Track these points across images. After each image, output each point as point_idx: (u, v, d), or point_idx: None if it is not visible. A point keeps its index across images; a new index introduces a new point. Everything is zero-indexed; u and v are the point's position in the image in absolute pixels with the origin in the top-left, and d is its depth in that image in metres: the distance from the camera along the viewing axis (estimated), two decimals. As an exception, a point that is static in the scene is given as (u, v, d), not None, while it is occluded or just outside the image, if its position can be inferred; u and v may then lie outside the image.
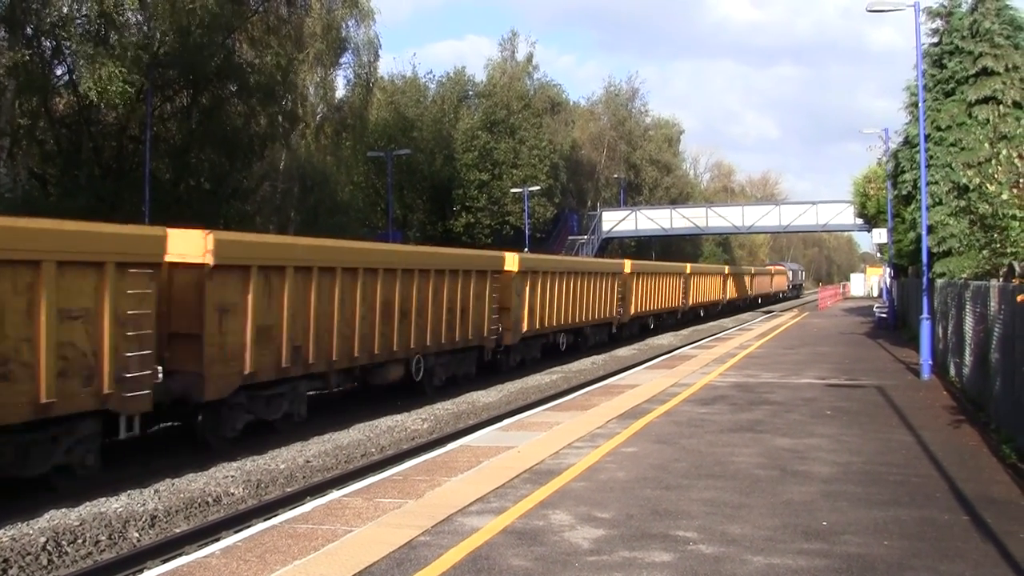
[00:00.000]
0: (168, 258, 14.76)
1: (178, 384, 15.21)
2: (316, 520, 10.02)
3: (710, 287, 61.01)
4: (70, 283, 12.68)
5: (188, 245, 15.24)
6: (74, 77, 36.35)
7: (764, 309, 79.95)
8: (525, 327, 28.86)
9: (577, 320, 33.75)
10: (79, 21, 35.17)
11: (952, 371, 21.50)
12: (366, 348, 19.82)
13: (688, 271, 53.72)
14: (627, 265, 41.27)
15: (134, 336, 13.62)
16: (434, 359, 23.39)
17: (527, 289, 28.64)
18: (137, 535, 11.95)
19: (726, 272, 68.57)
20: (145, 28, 37.78)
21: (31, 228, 12.46)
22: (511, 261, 27.82)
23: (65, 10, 34.56)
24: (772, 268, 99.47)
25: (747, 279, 78.76)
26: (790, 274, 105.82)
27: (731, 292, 69.08)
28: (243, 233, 20.45)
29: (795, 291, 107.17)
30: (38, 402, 12.23)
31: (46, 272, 12.22)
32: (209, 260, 15.30)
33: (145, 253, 14.04)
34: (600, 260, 51.58)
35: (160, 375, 14.88)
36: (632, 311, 41.30)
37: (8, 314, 11.85)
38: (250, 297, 16.22)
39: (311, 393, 19.28)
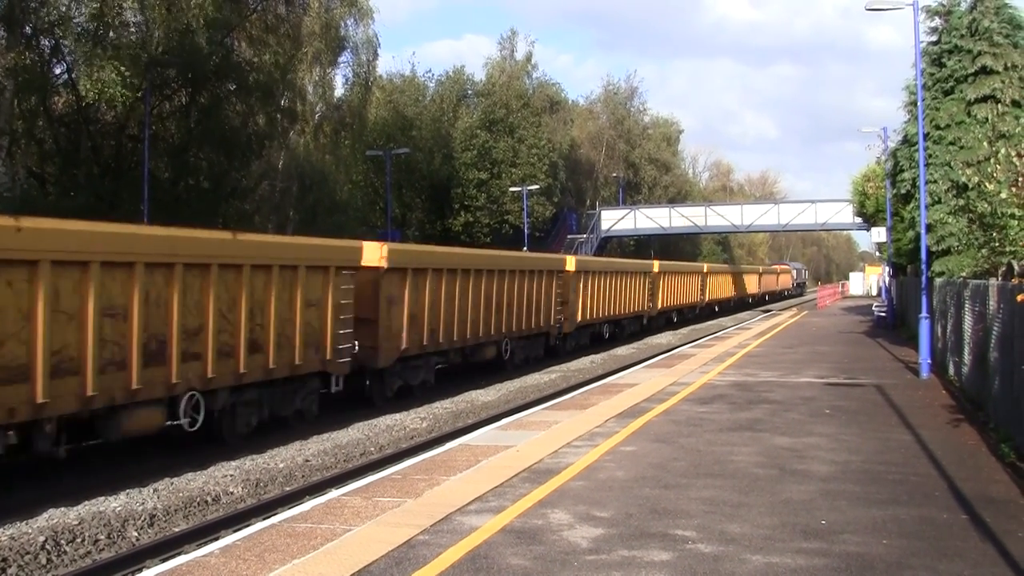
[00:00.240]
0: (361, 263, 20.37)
1: (360, 355, 20.32)
2: (315, 519, 10.02)
3: (724, 284, 68.46)
4: (311, 281, 18.14)
5: (371, 254, 20.56)
6: (72, 76, 36.37)
7: (763, 308, 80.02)
8: (579, 318, 34.55)
9: (617, 312, 39.26)
10: (77, 21, 35.16)
11: (951, 370, 21.50)
12: (474, 332, 25.61)
13: (705, 270, 57.41)
14: (656, 265, 46.96)
15: (343, 319, 19.17)
16: (515, 343, 28.93)
17: (581, 286, 34.37)
18: (136, 534, 11.95)
19: (738, 271, 77.37)
20: (144, 27, 37.72)
21: (296, 244, 19.70)
22: (570, 263, 33.67)
23: (64, 9, 34.51)
24: (778, 267, 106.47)
25: (757, 277, 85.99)
26: (794, 273, 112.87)
27: (742, 289, 76.50)
28: (402, 244, 32.27)
29: (799, 288, 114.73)
30: (294, 363, 17.76)
31: (300, 273, 17.73)
32: (384, 264, 20.82)
33: (351, 259, 19.63)
34: (634, 261, 54.23)
35: (357, 347, 20.10)
36: (660, 306, 46.91)
37: (280, 304, 17.15)
38: (406, 292, 21.86)
39: (438, 367, 24.98)
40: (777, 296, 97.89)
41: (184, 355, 14.79)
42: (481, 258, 27.47)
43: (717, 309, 64.86)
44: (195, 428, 15.24)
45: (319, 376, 18.90)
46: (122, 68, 33.26)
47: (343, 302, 19.07)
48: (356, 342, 19.88)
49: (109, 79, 32.87)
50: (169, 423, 14.81)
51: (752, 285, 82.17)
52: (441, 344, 23.65)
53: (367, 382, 21.28)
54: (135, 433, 14.35)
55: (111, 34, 34.80)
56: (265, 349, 16.83)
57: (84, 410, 13.22)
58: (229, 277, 15.86)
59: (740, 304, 75.68)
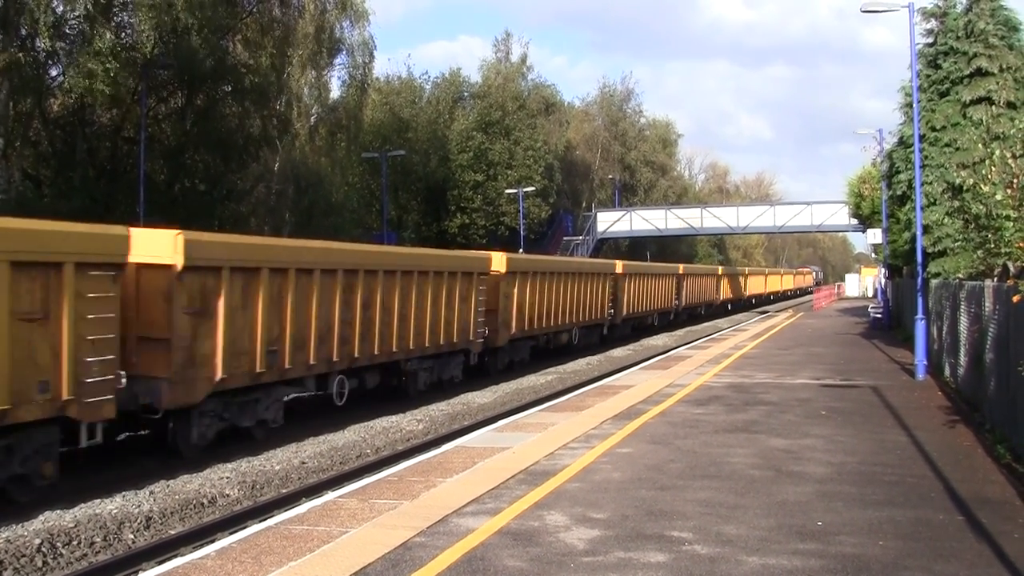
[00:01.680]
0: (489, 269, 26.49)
1: (486, 338, 26.19)
2: (311, 521, 10.01)
3: (759, 283, 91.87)
4: (461, 283, 24.49)
5: (498, 262, 27.45)
6: (64, 76, 36.31)
7: (759, 310, 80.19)
8: (513, 329, 29.21)
9: (566, 322, 34.77)
10: (72, 22, 35.12)
11: (947, 371, 21.53)
12: (557, 320, 31.75)
13: (681, 271, 57.12)
14: (680, 268, 55.60)
15: (480, 311, 25.47)
16: (579, 330, 34.81)
17: (515, 291, 28.88)
18: (132, 536, 11.93)
19: (773, 271, 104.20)
20: (140, 29, 37.67)
21: (448, 256, 26.49)
22: (499, 261, 28.44)
23: (59, 10, 34.47)
24: (804, 269, 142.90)
25: (787, 277, 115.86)
26: (815, 274, 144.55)
27: (772, 287, 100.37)
28: (516, 253, 38.37)
29: (818, 285, 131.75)
30: (452, 341, 24.08)
31: (460, 278, 24.38)
32: (503, 268, 27.56)
33: (485, 267, 26.49)
34: (591, 260, 54.55)
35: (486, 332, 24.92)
36: (684, 303, 53.74)
37: (453, 301, 23.78)
38: (515, 290, 28.01)
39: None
40: (803, 291, 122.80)
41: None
42: (568, 263, 36.35)
43: (754, 302, 78.98)
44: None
45: (462, 352, 25.34)
46: (108, 66, 33.15)
47: (482, 298, 25.86)
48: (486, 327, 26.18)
49: (97, 74, 32.76)
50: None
51: (788, 283, 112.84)
52: (528, 330, 29.75)
53: (486, 358, 27.47)
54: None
55: (107, 35, 34.70)
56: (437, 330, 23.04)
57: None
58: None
59: (774, 298, 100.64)
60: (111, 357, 13.45)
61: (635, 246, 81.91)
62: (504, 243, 59.76)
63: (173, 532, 12.07)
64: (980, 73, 25.88)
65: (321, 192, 50.09)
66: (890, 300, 45.19)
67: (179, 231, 15.08)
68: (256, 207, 48.27)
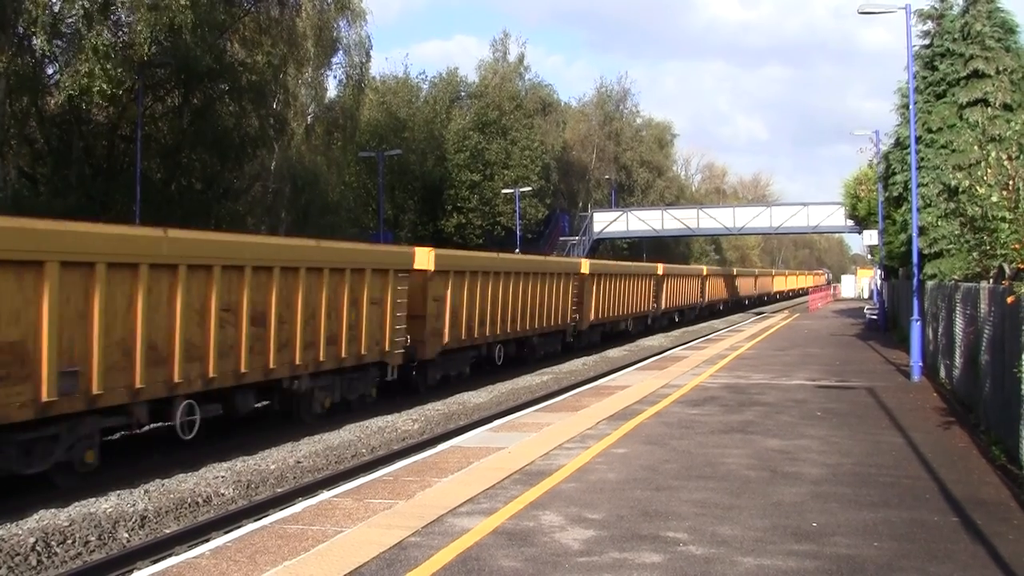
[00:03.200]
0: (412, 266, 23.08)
1: (409, 350, 23.19)
2: (306, 521, 10.01)
3: (781, 283, 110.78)
4: (371, 283, 20.67)
5: (423, 259, 23.78)
6: (61, 75, 36.25)
7: (755, 310, 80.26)
8: (446, 340, 25.28)
9: (627, 311, 43.69)
10: (70, 21, 35.09)
11: (942, 373, 21.55)
12: (507, 327, 30.08)
13: (660, 272, 53.18)
14: (704, 269, 63.06)
15: (399, 316, 22.12)
16: (536, 338, 32.83)
17: (449, 293, 25.06)
18: (127, 535, 11.92)
19: (791, 273, 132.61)
20: (138, 28, 37.61)
21: (351, 249, 21.29)
22: (424, 258, 23.94)
23: (57, 8, 34.44)
24: (818, 271, 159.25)
25: (805, 277, 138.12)
26: (827, 275, 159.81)
27: (790, 285, 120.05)
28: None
29: (827, 286, 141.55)
30: (359, 354, 20.46)
31: (369, 277, 20.56)
32: (431, 266, 23.92)
33: (405, 264, 22.60)
34: (554, 259, 50.74)
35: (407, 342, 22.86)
36: (664, 307, 52.52)
37: (359, 305, 20.30)
38: (448, 291, 25.09)
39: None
40: (819, 288, 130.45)
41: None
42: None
43: (778, 296, 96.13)
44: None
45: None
46: (106, 65, 33.10)
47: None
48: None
49: (95, 75, 32.70)
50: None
51: (806, 281, 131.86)
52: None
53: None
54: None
55: (105, 34, 34.64)
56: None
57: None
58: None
59: (790, 295, 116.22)
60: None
61: (632, 247, 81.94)
62: (500, 243, 59.81)
63: (168, 531, 12.06)
64: (977, 75, 25.88)
65: (318, 191, 50.09)
66: (886, 301, 45.23)
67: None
68: (253, 206, 48.23)
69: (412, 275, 22.80)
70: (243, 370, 16.46)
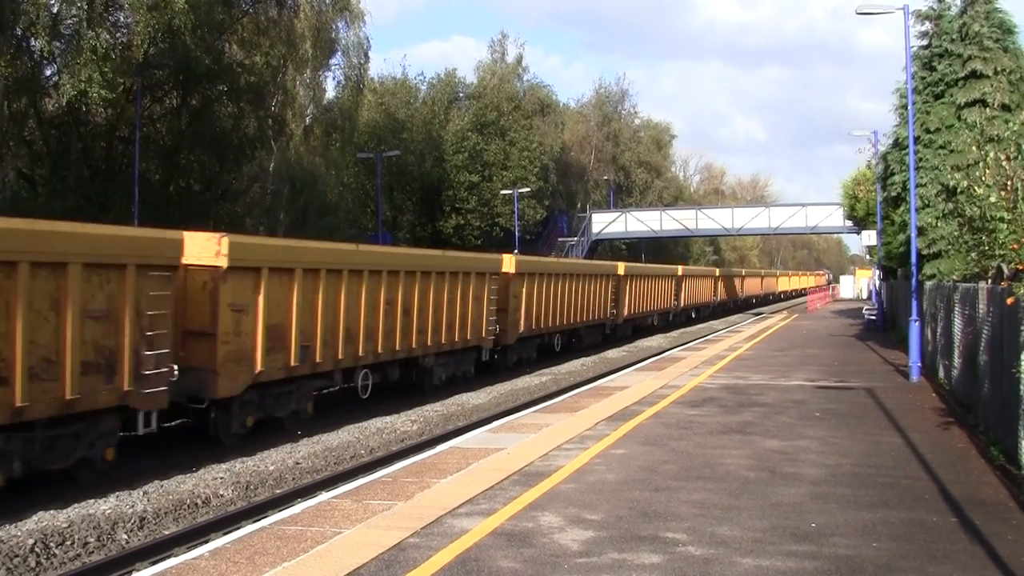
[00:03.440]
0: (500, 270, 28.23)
1: (496, 337, 27.68)
2: (305, 522, 10.00)
3: (785, 283, 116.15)
4: (475, 284, 25.64)
5: (508, 264, 28.77)
6: (59, 77, 36.22)
7: (755, 311, 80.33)
8: (627, 312, 39.66)
9: (653, 307, 47.17)
10: (69, 21, 35.07)
11: (941, 373, 21.55)
12: (562, 320, 34.15)
13: (621, 271, 54.78)
14: (717, 271, 66.82)
15: (491, 310, 26.95)
16: (584, 330, 37.61)
17: (627, 286, 38.60)
18: (126, 537, 11.91)
19: (795, 273, 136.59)
20: (136, 29, 37.59)
21: (464, 257, 27.68)
22: (621, 267, 38.62)
23: (56, 10, 34.42)
24: (820, 272, 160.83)
25: (808, 278, 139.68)
26: (827, 275, 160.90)
27: (793, 285, 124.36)
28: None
29: (828, 287, 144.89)
30: (466, 339, 25.39)
31: (474, 279, 25.63)
32: (513, 269, 28.78)
33: (496, 268, 27.73)
34: (664, 266, 57.51)
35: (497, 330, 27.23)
36: (683, 304, 55.98)
37: (467, 300, 25.22)
38: (523, 290, 29.64)
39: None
40: (821, 288, 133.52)
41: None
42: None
43: (783, 296, 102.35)
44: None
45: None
46: (105, 69, 33.09)
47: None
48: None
49: (94, 79, 32.68)
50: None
51: (809, 281, 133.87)
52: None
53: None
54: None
55: (103, 35, 34.63)
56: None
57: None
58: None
59: (789, 295, 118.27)
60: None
61: (631, 247, 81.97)
62: (499, 244, 59.72)
63: (167, 532, 12.06)
64: (975, 75, 25.90)
65: (316, 192, 50.01)
66: (884, 302, 45.22)
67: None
68: (251, 207, 48.20)
69: (500, 276, 28.28)
70: (396, 348, 21.67)
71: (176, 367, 15.30)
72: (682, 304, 55.77)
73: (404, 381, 23.28)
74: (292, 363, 17.92)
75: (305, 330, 18.30)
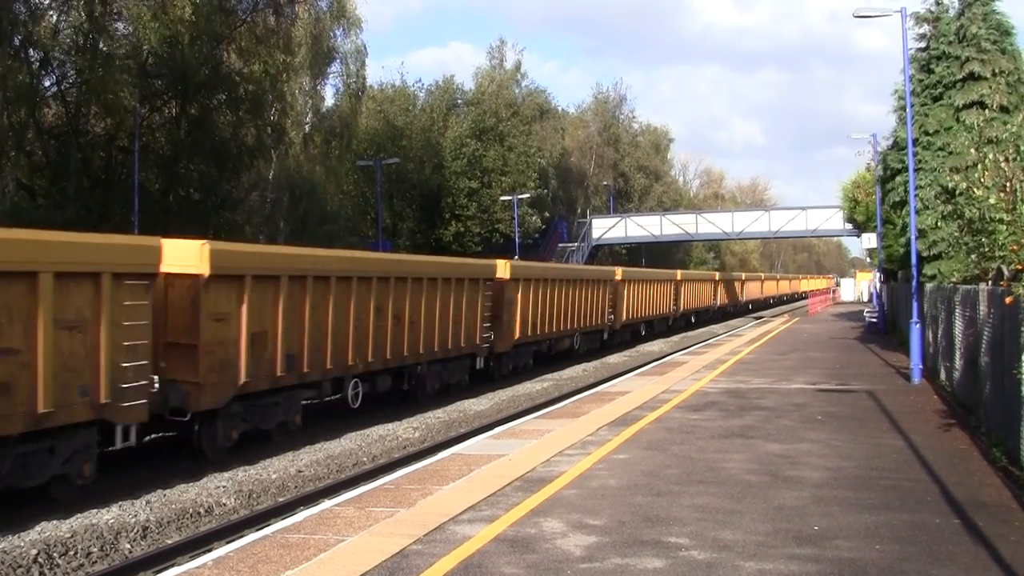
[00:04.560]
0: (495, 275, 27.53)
1: (491, 344, 27.13)
2: (308, 530, 10.00)
3: (796, 285, 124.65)
4: (468, 290, 25.24)
5: (502, 269, 28.03)
6: (62, 88, 36.30)
7: (755, 315, 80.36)
8: (625, 317, 40.38)
9: (652, 313, 46.72)
10: (68, 31, 35.13)
11: (942, 375, 21.55)
12: (559, 326, 33.43)
13: (619, 276, 53.95)
14: (716, 275, 67.08)
15: (485, 316, 26.47)
16: (580, 336, 36.28)
17: (625, 291, 39.36)
18: (129, 546, 11.91)
19: (804, 277, 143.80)
20: (134, 39, 37.69)
21: (457, 263, 27.24)
22: (619, 272, 40.16)
23: (55, 19, 34.50)
24: (828, 276, 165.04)
25: (818, 280, 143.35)
26: (836, 279, 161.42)
27: (804, 288, 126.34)
28: (517, 260, 39.02)
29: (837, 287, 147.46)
30: (459, 346, 24.92)
31: (467, 285, 25.06)
32: (507, 275, 28.13)
33: (490, 274, 27.17)
34: (662, 271, 57.86)
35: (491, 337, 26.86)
36: (682, 309, 55.78)
37: (460, 307, 24.69)
38: (519, 296, 28.80)
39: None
40: (827, 291, 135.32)
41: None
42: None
43: (797, 298, 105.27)
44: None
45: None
46: (104, 75, 33.16)
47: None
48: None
49: (104, 86, 32.76)
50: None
51: (821, 283, 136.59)
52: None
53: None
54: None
55: (101, 45, 34.71)
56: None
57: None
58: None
59: (804, 296, 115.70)
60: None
61: (631, 252, 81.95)
62: (499, 250, 59.65)
63: (170, 541, 12.05)
64: (973, 77, 25.93)
65: (316, 200, 50.08)
66: (885, 304, 45.21)
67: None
68: (251, 215, 48.29)
69: (494, 283, 27.52)
70: (387, 356, 21.15)
71: (156, 379, 14.79)
72: (681, 309, 55.62)
73: (396, 390, 22.67)
74: (278, 373, 17.35)
75: (291, 339, 17.71)
